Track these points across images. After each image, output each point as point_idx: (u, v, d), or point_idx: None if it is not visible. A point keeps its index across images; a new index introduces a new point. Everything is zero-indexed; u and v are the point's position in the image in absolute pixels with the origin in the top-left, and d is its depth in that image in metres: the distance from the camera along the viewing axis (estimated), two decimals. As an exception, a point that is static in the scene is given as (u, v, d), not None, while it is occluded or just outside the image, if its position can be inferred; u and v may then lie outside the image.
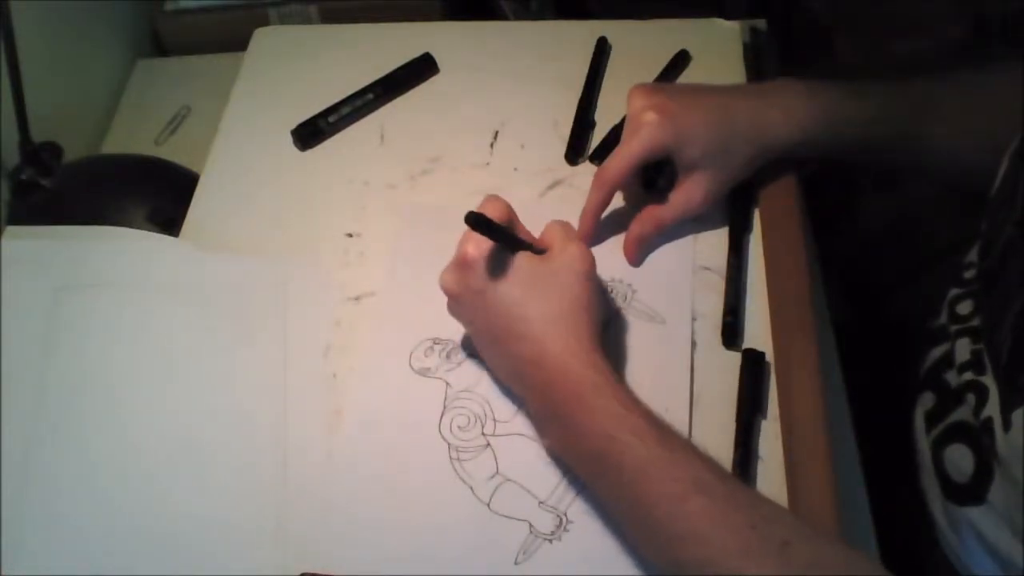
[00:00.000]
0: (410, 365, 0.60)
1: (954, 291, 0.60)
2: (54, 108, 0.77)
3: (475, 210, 0.52)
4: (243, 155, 0.75)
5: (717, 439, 0.55)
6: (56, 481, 0.57)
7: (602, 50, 0.79)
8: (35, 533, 0.55)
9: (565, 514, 0.53)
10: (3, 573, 0.53)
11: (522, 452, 0.56)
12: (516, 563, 0.52)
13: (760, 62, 0.77)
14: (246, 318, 0.64)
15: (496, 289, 0.53)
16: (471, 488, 0.55)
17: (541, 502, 0.54)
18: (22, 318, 0.63)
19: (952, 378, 0.58)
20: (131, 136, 0.87)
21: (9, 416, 0.59)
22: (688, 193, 0.62)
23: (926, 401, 0.61)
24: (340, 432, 0.58)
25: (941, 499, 0.58)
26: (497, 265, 0.53)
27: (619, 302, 0.62)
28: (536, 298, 0.52)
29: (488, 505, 0.54)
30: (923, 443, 0.61)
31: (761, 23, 0.81)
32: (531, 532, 0.53)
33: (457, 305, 0.56)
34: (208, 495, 0.56)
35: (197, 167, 0.75)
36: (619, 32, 0.80)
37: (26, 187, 0.72)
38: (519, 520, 0.53)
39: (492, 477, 0.55)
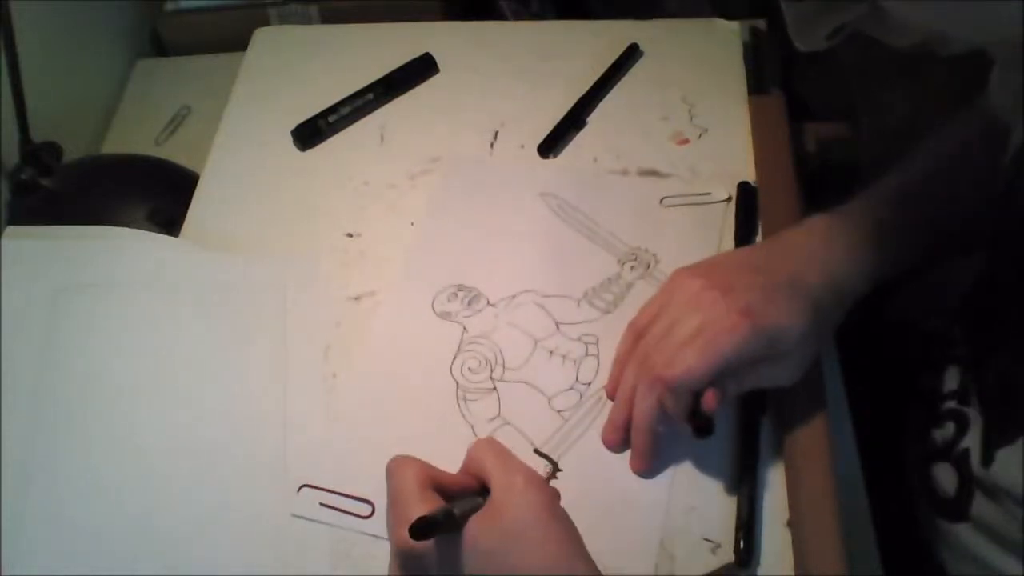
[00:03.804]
0: (432, 308, 0.64)
1: (936, 319, 0.60)
2: (54, 108, 0.77)
3: (417, 518, 0.43)
4: (243, 155, 0.75)
5: (718, 438, 0.55)
6: (56, 481, 0.57)
7: (629, 56, 0.78)
8: (35, 533, 0.55)
9: (557, 463, 0.56)
10: (3, 573, 0.53)
11: (525, 399, 0.59)
12: None
13: (760, 62, 0.77)
14: (246, 318, 0.64)
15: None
16: (472, 426, 0.58)
17: (536, 448, 0.56)
18: (22, 318, 0.63)
19: (941, 403, 0.57)
20: (131, 136, 0.87)
21: (9, 416, 0.59)
22: (776, 377, 0.54)
23: (917, 417, 0.61)
24: (350, 389, 0.60)
25: (931, 513, 0.58)
26: (447, 546, 0.45)
27: (641, 270, 0.64)
28: (512, 562, 0.44)
29: None
30: (914, 454, 0.60)
31: (761, 23, 0.81)
32: None
33: None
34: (208, 495, 0.56)
35: (197, 167, 0.75)
36: (620, 32, 0.80)
37: (26, 187, 0.72)
38: None
39: (493, 419, 0.58)
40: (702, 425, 0.51)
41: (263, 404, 0.60)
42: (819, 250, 0.55)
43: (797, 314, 0.51)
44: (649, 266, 0.65)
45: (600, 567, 0.46)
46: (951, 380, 0.57)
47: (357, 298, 0.65)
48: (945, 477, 0.55)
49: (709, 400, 0.50)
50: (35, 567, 0.54)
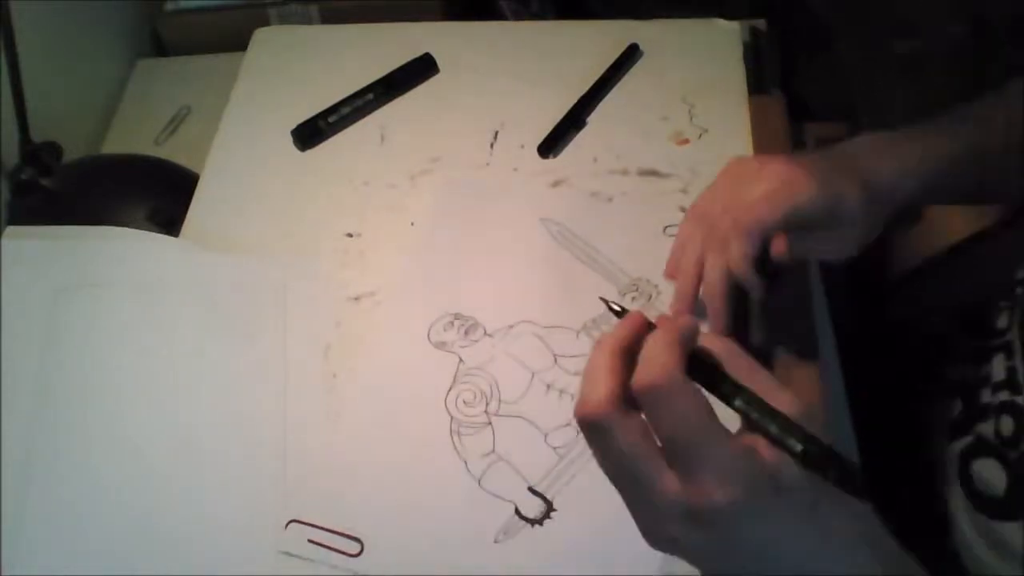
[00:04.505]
0: (428, 337, 0.62)
1: (1002, 303, 0.60)
2: (54, 108, 0.77)
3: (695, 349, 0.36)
4: (243, 155, 0.75)
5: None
6: (56, 481, 0.57)
7: (629, 56, 0.78)
8: (35, 533, 0.55)
9: (552, 501, 0.54)
10: (3, 573, 0.53)
11: (521, 435, 0.57)
12: (495, 541, 0.53)
13: (760, 62, 0.77)
14: (246, 318, 0.64)
15: (781, 547, 0.35)
16: (465, 462, 0.56)
17: (530, 486, 0.55)
18: (22, 318, 0.63)
19: (986, 395, 0.57)
20: (131, 136, 0.87)
21: (9, 416, 0.59)
22: (831, 250, 0.56)
23: (952, 409, 0.61)
24: (350, 390, 0.60)
25: (970, 511, 0.57)
26: (626, 421, 0.36)
27: (643, 301, 0.63)
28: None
29: (479, 481, 0.55)
30: (947, 450, 0.60)
31: (761, 23, 0.81)
32: (516, 514, 0.54)
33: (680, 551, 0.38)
34: (208, 495, 0.56)
35: (197, 167, 0.75)
36: (619, 32, 0.80)
37: (26, 187, 0.72)
38: (506, 500, 0.55)
39: (487, 455, 0.57)
40: (772, 272, 0.54)
41: (263, 404, 0.60)
42: (871, 151, 0.56)
43: (855, 191, 0.53)
44: (651, 297, 0.63)
45: (600, 567, 0.46)
46: (997, 369, 0.56)
47: (357, 298, 0.65)
48: (991, 474, 0.54)
49: (779, 244, 0.52)
50: (35, 567, 0.54)
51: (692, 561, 0.38)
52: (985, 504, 0.56)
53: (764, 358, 0.59)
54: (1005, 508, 0.54)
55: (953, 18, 0.97)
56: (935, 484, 0.61)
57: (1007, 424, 0.54)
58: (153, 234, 0.69)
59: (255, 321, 0.63)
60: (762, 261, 0.53)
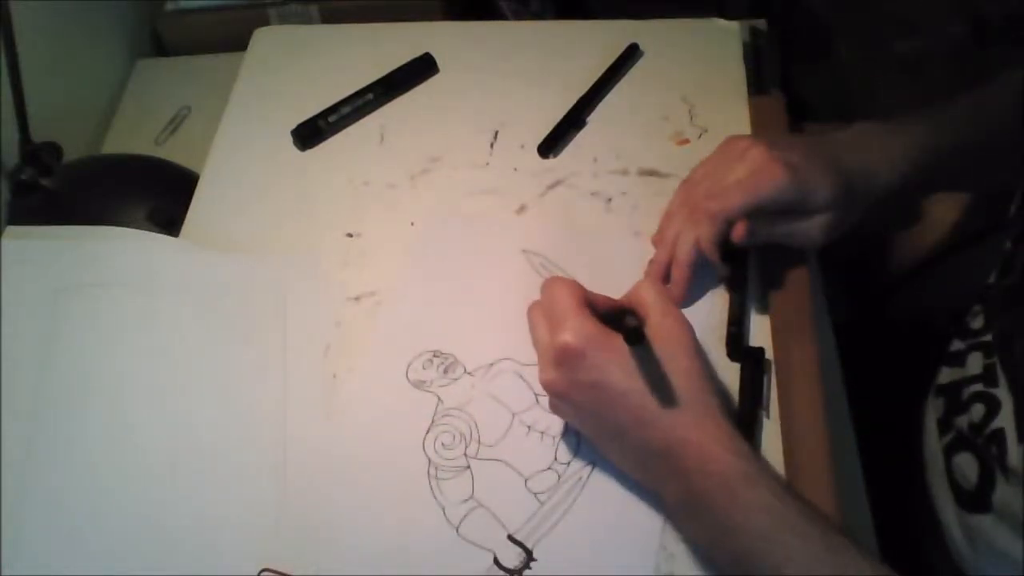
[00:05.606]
0: (407, 376, 0.60)
1: (976, 306, 0.61)
2: (54, 108, 0.77)
3: (630, 324, 0.49)
4: (243, 155, 0.75)
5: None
6: (56, 481, 0.57)
7: (629, 56, 0.78)
8: (35, 533, 0.55)
9: (531, 551, 0.52)
10: (3, 573, 0.53)
11: (501, 479, 0.55)
12: None
13: (760, 62, 0.77)
14: (246, 318, 0.64)
15: (609, 379, 0.49)
16: (443, 508, 0.54)
17: (510, 535, 0.53)
18: (22, 318, 0.63)
19: (965, 392, 0.58)
20: (131, 136, 0.87)
21: (9, 416, 0.59)
22: (802, 235, 0.58)
23: (938, 407, 0.61)
24: (349, 390, 0.60)
25: (954, 506, 0.58)
26: (603, 353, 0.49)
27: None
28: (652, 382, 0.48)
29: (457, 529, 0.53)
30: (935, 448, 0.60)
31: (761, 23, 0.81)
32: (495, 563, 0.52)
33: (564, 403, 0.52)
34: (207, 495, 0.56)
35: (197, 167, 0.75)
36: (619, 32, 0.80)
37: (26, 187, 0.72)
38: (484, 549, 0.53)
39: (466, 501, 0.55)
40: (732, 253, 0.59)
41: (263, 404, 0.60)
42: (856, 142, 0.59)
43: (832, 181, 0.56)
44: None
45: (599, 568, 0.46)
46: (973, 366, 0.57)
47: (357, 298, 0.65)
48: (968, 467, 0.55)
49: (739, 229, 0.56)
50: (35, 567, 0.54)
51: (566, 411, 0.53)
52: (963, 498, 0.56)
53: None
54: (978, 500, 0.54)
55: (953, 18, 0.97)
56: (927, 482, 0.62)
57: (978, 411, 0.55)
58: (153, 234, 0.69)
59: (255, 321, 0.64)
60: (725, 242, 0.58)
